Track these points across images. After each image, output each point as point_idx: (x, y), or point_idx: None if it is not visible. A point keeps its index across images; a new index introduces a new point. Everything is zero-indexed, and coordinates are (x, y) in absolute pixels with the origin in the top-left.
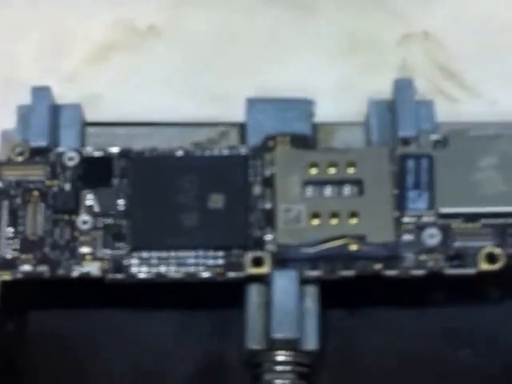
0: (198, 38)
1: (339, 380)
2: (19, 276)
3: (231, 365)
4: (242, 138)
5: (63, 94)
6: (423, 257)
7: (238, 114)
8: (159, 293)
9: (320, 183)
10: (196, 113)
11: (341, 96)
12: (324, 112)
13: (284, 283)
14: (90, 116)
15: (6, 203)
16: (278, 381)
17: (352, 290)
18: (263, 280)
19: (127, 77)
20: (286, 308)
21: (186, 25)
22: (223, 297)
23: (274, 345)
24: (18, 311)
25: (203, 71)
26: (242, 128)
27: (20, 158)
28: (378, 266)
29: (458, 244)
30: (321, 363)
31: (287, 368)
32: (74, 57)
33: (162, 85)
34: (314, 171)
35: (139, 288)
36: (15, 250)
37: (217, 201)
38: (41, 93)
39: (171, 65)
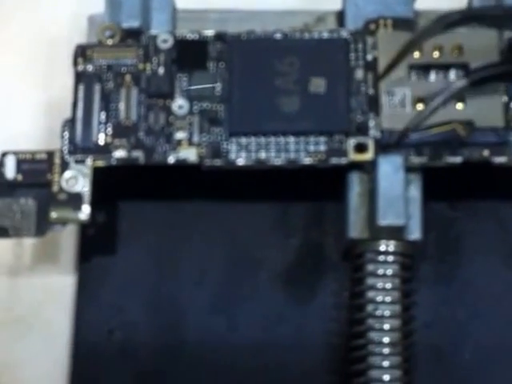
0: None
1: (439, 272)
2: (113, 162)
3: (331, 255)
4: (340, 24)
5: None
6: None
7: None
8: (256, 182)
9: (424, 67)
10: (288, 1)
11: None
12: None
13: (389, 169)
14: (179, 4)
15: (97, 87)
16: (380, 271)
17: (454, 181)
18: (364, 168)
19: None
20: (391, 195)
21: None
22: (322, 186)
23: (377, 233)
24: (110, 200)
25: None
26: (339, 15)
27: (111, 41)
28: (485, 153)
29: None
30: (421, 254)
31: (391, 258)
32: None
33: None
34: (417, 55)
35: (235, 176)
36: (108, 135)
37: (318, 85)
38: None
39: None
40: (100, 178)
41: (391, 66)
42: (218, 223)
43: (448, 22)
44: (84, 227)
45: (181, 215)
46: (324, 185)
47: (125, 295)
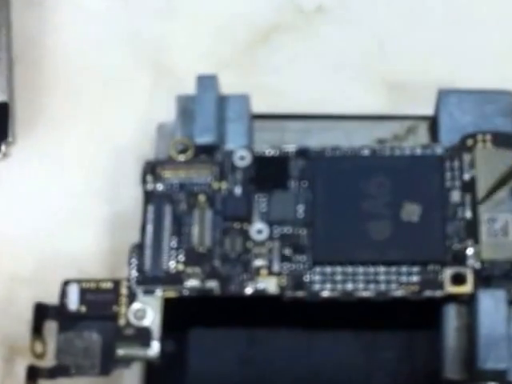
0: (371, 17)
1: None
2: (185, 293)
3: None
4: (433, 135)
5: (222, 83)
6: None
7: (419, 106)
8: (339, 312)
9: None
10: (372, 104)
11: None
12: None
13: (490, 304)
14: (255, 108)
15: (168, 208)
16: None
17: None
18: (463, 300)
19: (294, 62)
20: (494, 334)
21: (358, 3)
22: (415, 318)
23: (478, 376)
24: (181, 330)
25: (378, 55)
26: (432, 122)
27: (183, 157)
28: None
29: None
30: None
31: None
32: (235, 41)
33: (332, 71)
34: None
35: (318, 307)
36: (180, 262)
37: (411, 212)
38: (207, 82)
39: (341, 48)
40: (170, 305)
41: (492, 191)
42: (296, 358)
43: None
44: None
45: (258, 346)
46: (417, 315)
47: None
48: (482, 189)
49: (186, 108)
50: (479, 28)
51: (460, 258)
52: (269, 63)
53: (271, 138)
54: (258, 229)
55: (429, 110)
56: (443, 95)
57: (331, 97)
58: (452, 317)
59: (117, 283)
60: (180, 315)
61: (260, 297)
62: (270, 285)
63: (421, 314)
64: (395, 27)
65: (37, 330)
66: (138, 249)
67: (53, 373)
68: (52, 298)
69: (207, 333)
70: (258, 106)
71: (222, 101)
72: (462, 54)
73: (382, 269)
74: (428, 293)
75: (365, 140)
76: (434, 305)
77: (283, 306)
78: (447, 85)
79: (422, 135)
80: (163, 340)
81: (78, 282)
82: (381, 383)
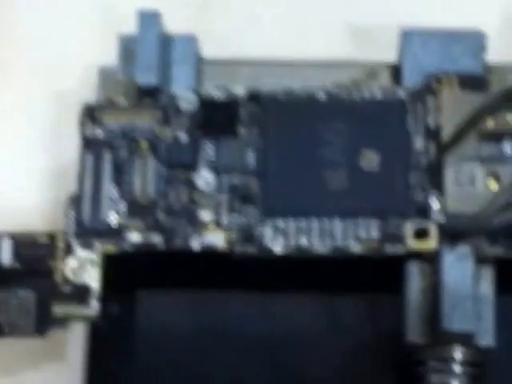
0: None
1: None
2: (126, 248)
3: (384, 360)
4: (395, 80)
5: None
6: None
7: (383, 51)
8: (297, 269)
9: (498, 136)
10: (333, 50)
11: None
12: (493, 51)
13: (456, 262)
14: (206, 52)
15: (108, 156)
16: (445, 382)
17: None
18: (427, 257)
19: (249, 3)
20: (459, 294)
21: None
22: (375, 277)
23: (442, 339)
24: (125, 290)
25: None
26: (394, 69)
27: (124, 101)
28: None
29: None
30: (494, 363)
31: (457, 368)
32: None
33: (288, 16)
34: (490, 122)
35: (273, 264)
36: (121, 214)
37: (371, 160)
38: (150, 19)
39: None
40: (115, 265)
41: (458, 137)
42: (251, 318)
43: None
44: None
45: (209, 309)
46: (379, 273)
47: None
48: (447, 135)
49: (128, 49)
50: None
51: (423, 211)
52: (221, 4)
53: (222, 84)
54: (205, 178)
55: (393, 55)
56: (406, 36)
57: (289, 42)
58: (415, 276)
59: (53, 236)
60: (126, 275)
61: (208, 253)
62: (217, 239)
63: (384, 274)
64: None
65: None
66: (76, 200)
67: None
68: None
69: (155, 294)
70: (208, 51)
71: (167, 41)
72: None
73: (338, 222)
74: (388, 248)
75: (323, 85)
76: (396, 263)
77: (236, 266)
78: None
79: (384, 81)
80: (107, 301)
81: (11, 235)
82: (342, 348)
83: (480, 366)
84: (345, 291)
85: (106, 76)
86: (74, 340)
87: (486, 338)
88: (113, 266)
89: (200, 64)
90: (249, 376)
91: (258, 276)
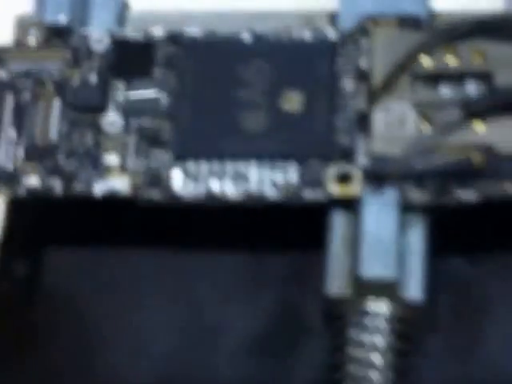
0: None
1: (452, 347)
2: (22, 193)
3: (309, 318)
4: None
5: None
6: None
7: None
8: (210, 219)
9: (434, 77)
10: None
11: None
12: None
13: (379, 208)
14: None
15: (10, 98)
16: (366, 338)
17: (475, 227)
18: (351, 205)
19: None
20: (380, 240)
21: None
22: (297, 226)
23: (363, 290)
24: (35, 249)
25: None
26: (332, 18)
27: (32, 41)
28: (509, 187)
29: None
30: (429, 323)
31: (381, 323)
32: None
33: None
34: (425, 61)
35: (184, 212)
36: (19, 158)
37: (293, 100)
38: None
39: None
40: (14, 213)
41: (390, 77)
42: (162, 276)
43: (456, 35)
44: None
45: (123, 268)
46: (302, 222)
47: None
48: (379, 76)
49: None
50: None
51: (348, 155)
52: None
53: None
54: (112, 120)
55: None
56: None
57: None
58: (338, 224)
59: None
60: (34, 232)
61: (111, 199)
62: (122, 184)
63: (308, 224)
64: None
65: None
66: None
67: None
68: None
69: (65, 252)
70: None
71: None
72: None
73: (254, 166)
74: (308, 194)
75: None
76: (320, 212)
77: (153, 222)
78: None
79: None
80: (12, 259)
81: None
82: (266, 307)
83: (408, 322)
84: (267, 243)
85: (22, 20)
86: None
87: (414, 291)
88: (17, 218)
89: (123, 9)
90: (158, 337)
91: (172, 228)
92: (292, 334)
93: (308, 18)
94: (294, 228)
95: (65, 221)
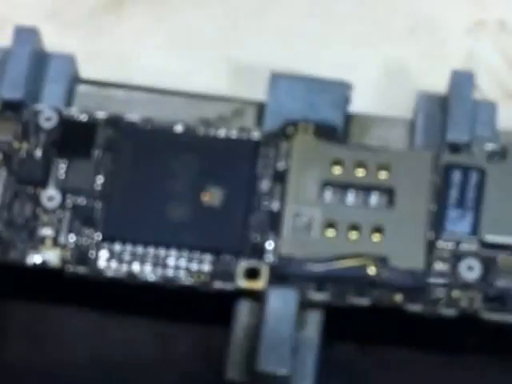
0: None
1: None
2: None
3: None
4: (259, 121)
5: (62, 44)
6: (456, 293)
7: (260, 92)
8: (131, 294)
9: (343, 186)
10: (211, 84)
11: (387, 84)
12: (363, 102)
13: (279, 304)
14: (87, 74)
15: None
16: None
17: (366, 323)
18: (256, 297)
19: (140, 33)
20: (279, 335)
21: None
22: (210, 310)
23: (259, 379)
24: None
25: (229, 36)
26: (260, 108)
27: None
28: (398, 298)
29: (501, 283)
30: None
31: None
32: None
33: (174, 45)
34: (337, 170)
35: (111, 287)
36: None
37: (214, 196)
38: (25, 35)
39: (192, 25)
40: None
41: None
42: (90, 337)
43: None
44: None
45: (47, 323)
46: (214, 305)
47: None
48: (294, 180)
49: (3, 61)
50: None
51: (258, 252)
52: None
53: (94, 106)
54: (50, 195)
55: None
56: (274, 79)
57: (171, 71)
58: (242, 313)
59: None
60: None
61: (41, 270)
62: (52, 257)
63: (218, 309)
64: (250, 8)
65: None
66: None
67: None
68: None
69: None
70: (90, 73)
71: (44, 58)
72: (309, 41)
73: (173, 253)
74: (218, 285)
75: (189, 118)
76: (228, 299)
77: (77, 283)
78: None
79: (250, 119)
80: None
81: None
82: (171, 377)
83: None
84: (178, 321)
85: None
86: None
87: (305, 383)
88: None
89: (75, 84)
90: None
91: (96, 297)
92: None
93: (238, 108)
94: (207, 309)
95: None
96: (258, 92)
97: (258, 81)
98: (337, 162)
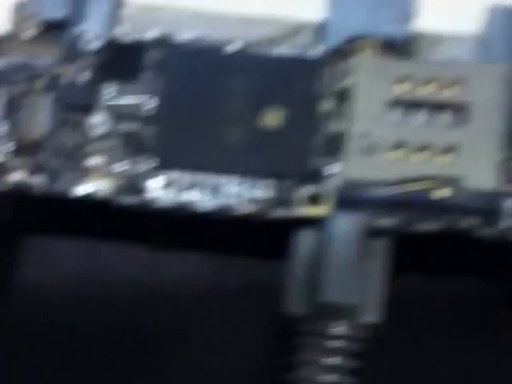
0: None
1: (402, 365)
2: (7, 187)
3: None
4: (318, 38)
5: None
6: None
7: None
8: (186, 226)
9: (411, 104)
10: (265, 3)
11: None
12: (430, 17)
13: (344, 230)
14: None
15: (2, 91)
16: (320, 359)
17: (434, 251)
18: (319, 225)
19: None
20: (342, 264)
21: None
22: (267, 240)
23: (320, 311)
24: (14, 236)
25: None
26: (318, 27)
27: (27, 33)
28: (471, 222)
29: None
30: (382, 342)
31: (334, 343)
32: None
33: None
34: (405, 87)
35: (161, 220)
36: (6, 152)
37: (273, 118)
38: None
39: None
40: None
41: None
42: (140, 273)
43: None
44: None
45: (97, 260)
46: (270, 238)
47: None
48: (358, 99)
49: None
50: None
51: (321, 176)
52: None
53: (143, 26)
54: (99, 122)
55: None
56: None
57: None
58: (303, 243)
59: None
60: (14, 219)
61: (90, 201)
62: (102, 187)
63: (276, 239)
64: None
65: None
66: None
67: None
68: None
69: (43, 241)
70: None
71: None
72: None
73: (230, 179)
74: (278, 212)
75: (242, 39)
76: (286, 228)
77: (128, 215)
78: None
79: (308, 38)
80: None
81: None
82: (225, 311)
83: (363, 341)
84: (234, 252)
85: (18, 10)
86: None
87: (371, 314)
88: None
89: (118, 6)
90: (127, 333)
91: (149, 230)
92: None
93: (295, 27)
94: (264, 239)
95: (46, 214)
96: (315, 10)
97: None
98: (404, 79)
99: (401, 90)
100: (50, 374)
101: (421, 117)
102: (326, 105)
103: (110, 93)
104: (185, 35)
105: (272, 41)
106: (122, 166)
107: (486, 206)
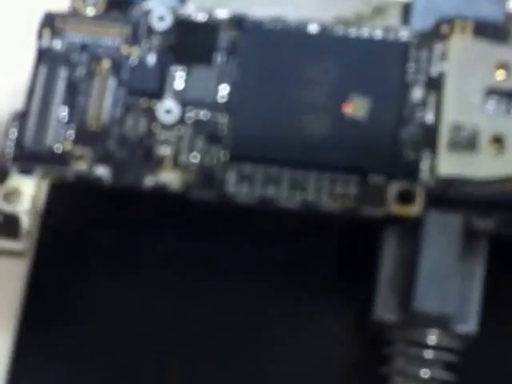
0: None
1: (498, 374)
2: (69, 177)
3: (350, 339)
4: (405, 19)
5: None
6: None
7: None
8: (261, 220)
9: (510, 94)
10: None
11: None
12: None
13: (439, 232)
14: None
15: (64, 72)
16: (413, 369)
17: None
18: (409, 224)
19: None
20: (437, 269)
21: None
22: (350, 240)
23: (414, 319)
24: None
25: None
26: (405, 6)
27: (91, 11)
28: None
29: None
30: (475, 351)
31: (429, 353)
32: None
33: None
34: (502, 75)
35: (233, 212)
36: (68, 140)
37: (359, 107)
38: None
39: None
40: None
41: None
42: (201, 270)
43: None
44: None
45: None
46: (355, 236)
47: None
48: (452, 87)
49: None
50: None
51: (411, 172)
52: None
53: (215, 3)
54: (168, 108)
55: None
56: None
57: None
58: (392, 244)
59: None
60: (76, 216)
61: (160, 194)
62: (173, 179)
63: (364, 239)
64: None
65: None
66: (21, 118)
67: None
68: None
69: (105, 235)
70: None
71: None
72: None
73: (312, 174)
74: (367, 210)
75: (323, 17)
76: (375, 227)
77: (201, 210)
78: None
79: (394, 18)
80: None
81: None
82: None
83: (458, 353)
84: (316, 252)
85: None
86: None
87: (467, 323)
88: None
89: None
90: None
91: (222, 226)
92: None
93: (380, 6)
94: (344, 239)
95: (109, 207)
96: None
97: None
98: (502, 66)
99: (497, 77)
100: None
101: None
102: (417, 93)
103: (179, 76)
104: (261, 13)
105: (357, 20)
106: (192, 157)
107: None
